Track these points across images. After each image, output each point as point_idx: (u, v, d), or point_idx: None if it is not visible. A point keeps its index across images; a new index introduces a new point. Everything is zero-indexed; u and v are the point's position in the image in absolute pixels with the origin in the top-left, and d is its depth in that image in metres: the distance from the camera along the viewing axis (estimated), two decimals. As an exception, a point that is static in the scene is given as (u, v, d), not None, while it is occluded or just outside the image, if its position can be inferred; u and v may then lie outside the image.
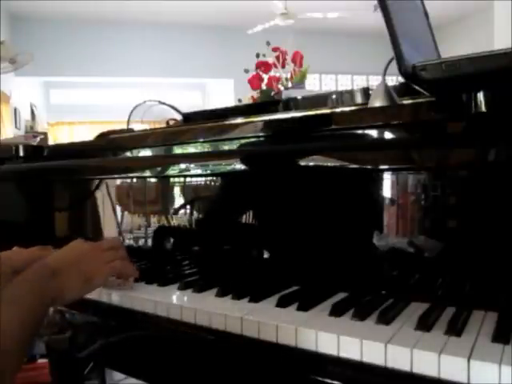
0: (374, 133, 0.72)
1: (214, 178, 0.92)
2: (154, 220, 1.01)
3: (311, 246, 0.78)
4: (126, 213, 1.08)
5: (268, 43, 2.34)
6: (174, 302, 0.72)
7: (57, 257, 0.68)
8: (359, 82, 8.04)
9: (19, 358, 0.56)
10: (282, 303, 0.66)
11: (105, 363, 1.22)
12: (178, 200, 0.98)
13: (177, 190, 0.98)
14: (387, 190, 0.69)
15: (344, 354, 0.53)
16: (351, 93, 1.22)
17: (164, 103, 1.54)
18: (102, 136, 1.39)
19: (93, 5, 6.26)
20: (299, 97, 1.32)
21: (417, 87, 0.67)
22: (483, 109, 0.63)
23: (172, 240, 0.98)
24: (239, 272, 0.84)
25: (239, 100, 2.47)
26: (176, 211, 0.97)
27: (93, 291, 0.72)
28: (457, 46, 4.96)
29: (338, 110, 0.85)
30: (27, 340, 0.58)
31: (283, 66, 2.15)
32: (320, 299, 0.68)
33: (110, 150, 1.16)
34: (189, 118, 1.47)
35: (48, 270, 0.64)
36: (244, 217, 0.87)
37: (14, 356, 0.55)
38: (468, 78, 0.62)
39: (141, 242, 1.05)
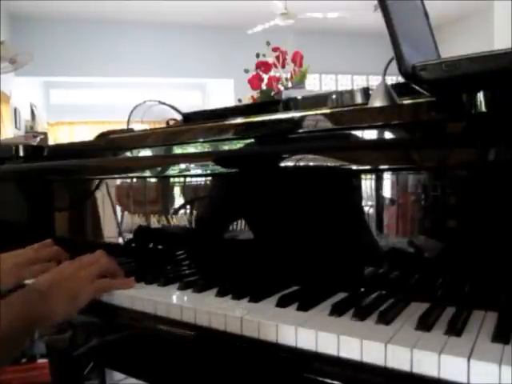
0: (373, 133, 0.72)
1: (214, 178, 0.92)
2: (153, 220, 1.01)
3: (311, 246, 0.78)
4: (125, 213, 1.08)
5: (268, 43, 2.34)
6: (174, 302, 0.72)
7: (44, 280, 0.71)
8: (359, 82, 8.05)
9: None
10: (282, 303, 0.66)
11: (105, 363, 1.22)
12: (178, 200, 0.98)
13: (177, 190, 0.98)
14: (387, 190, 0.69)
15: (344, 354, 0.53)
16: (351, 93, 1.22)
17: (164, 103, 1.54)
18: (102, 136, 1.39)
19: (93, 5, 6.26)
20: (299, 97, 1.32)
21: (417, 87, 0.67)
22: (483, 109, 0.63)
23: (172, 240, 0.98)
24: (239, 272, 0.84)
25: (239, 100, 2.47)
26: (176, 211, 0.97)
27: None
28: (457, 45, 4.97)
29: (338, 109, 0.85)
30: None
31: (283, 66, 2.15)
32: (320, 299, 0.68)
33: (109, 149, 1.16)
34: (189, 118, 1.47)
35: (36, 294, 0.66)
36: (244, 217, 0.87)
37: None
38: (468, 78, 0.62)
39: (140, 242, 1.05)
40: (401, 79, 0.66)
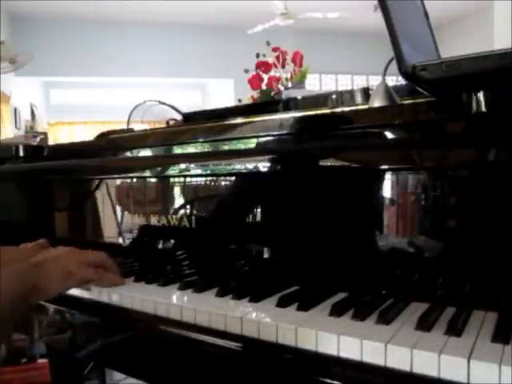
0: (373, 133, 0.72)
1: (214, 178, 0.92)
2: (153, 220, 1.01)
3: (311, 245, 0.78)
4: (125, 213, 1.08)
5: (268, 43, 2.34)
6: (174, 302, 0.72)
7: (38, 256, 0.74)
8: (359, 82, 8.05)
9: None
10: (282, 303, 0.66)
11: (105, 363, 1.22)
12: (178, 200, 0.98)
13: (177, 190, 0.98)
14: (387, 190, 0.69)
15: (344, 354, 0.53)
16: (351, 93, 1.22)
17: (164, 103, 1.54)
18: (102, 136, 1.39)
19: (93, 5, 6.26)
20: (299, 97, 1.32)
21: (417, 87, 0.67)
22: (483, 109, 0.63)
23: (172, 240, 0.98)
24: (239, 272, 0.84)
25: (239, 100, 2.47)
26: (176, 211, 0.97)
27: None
28: (457, 46, 4.97)
29: (338, 110, 0.85)
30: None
31: (283, 66, 2.15)
32: (320, 299, 0.68)
33: (109, 149, 1.16)
34: (189, 118, 1.47)
35: (30, 267, 0.69)
36: (244, 216, 0.87)
37: None
38: (468, 78, 0.62)
39: (140, 242, 1.05)
40: (401, 79, 0.66)
